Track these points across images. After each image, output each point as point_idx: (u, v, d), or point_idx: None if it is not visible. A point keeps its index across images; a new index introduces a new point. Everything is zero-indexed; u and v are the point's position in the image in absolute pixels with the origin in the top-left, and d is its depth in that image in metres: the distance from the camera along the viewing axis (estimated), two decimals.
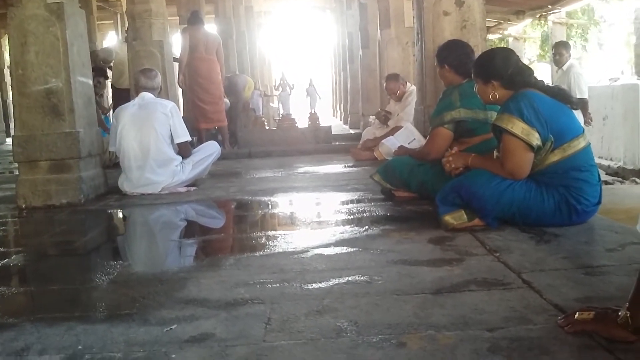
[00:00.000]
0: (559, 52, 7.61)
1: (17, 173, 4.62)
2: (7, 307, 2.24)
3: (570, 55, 7.48)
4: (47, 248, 3.34)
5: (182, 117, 5.16)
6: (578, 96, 6.69)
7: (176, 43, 10.15)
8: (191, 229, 3.81)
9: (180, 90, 8.50)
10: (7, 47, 4.72)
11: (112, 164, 6.09)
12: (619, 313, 1.58)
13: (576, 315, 1.66)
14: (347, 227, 3.18)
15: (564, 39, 12.48)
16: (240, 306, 2.02)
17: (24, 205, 4.40)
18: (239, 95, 9.40)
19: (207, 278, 2.37)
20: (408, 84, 6.72)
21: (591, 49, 23.13)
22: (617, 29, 21.50)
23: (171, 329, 1.85)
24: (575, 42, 21.05)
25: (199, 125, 8.05)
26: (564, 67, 7.42)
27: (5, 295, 2.38)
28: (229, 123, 8.68)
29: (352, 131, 11.36)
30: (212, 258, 2.79)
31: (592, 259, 2.42)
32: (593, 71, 19.58)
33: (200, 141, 7.64)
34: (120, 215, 4.23)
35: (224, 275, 2.40)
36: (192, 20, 8.21)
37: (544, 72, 15.46)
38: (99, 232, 3.83)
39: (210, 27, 10.98)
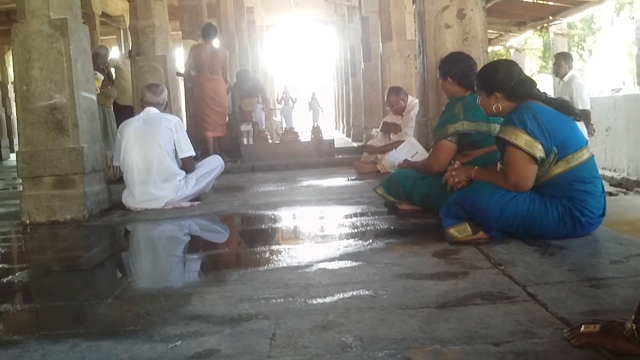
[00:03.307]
0: (557, 63, 7.65)
1: (21, 189, 4.63)
2: (12, 324, 2.23)
3: (570, 67, 7.49)
4: (51, 264, 3.34)
5: (186, 131, 5.18)
6: (580, 107, 6.70)
7: (179, 58, 10.24)
8: (195, 244, 3.81)
9: (183, 105, 8.71)
10: (12, 63, 4.75)
11: (116, 179, 6.10)
12: (625, 326, 1.57)
13: (582, 329, 1.65)
14: (351, 241, 3.18)
15: (565, 50, 12.53)
16: (244, 322, 2.01)
17: (28, 221, 4.41)
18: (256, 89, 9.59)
19: (211, 293, 2.36)
20: (410, 97, 6.70)
21: (591, 58, 23.19)
22: (618, 39, 21.54)
23: (176, 345, 1.85)
24: (578, 53, 21.11)
25: (206, 133, 8.46)
26: (565, 79, 7.43)
27: (9, 312, 2.38)
28: (229, 132, 9.16)
29: (355, 144, 11.38)
30: (216, 273, 2.79)
31: (597, 271, 2.41)
32: (595, 81, 19.60)
33: (207, 150, 7.90)
34: (124, 230, 4.23)
35: (228, 290, 2.40)
36: (205, 33, 8.55)
37: (546, 84, 15.49)
38: (103, 247, 3.83)
39: (214, 42, 11.05)
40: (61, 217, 4.40)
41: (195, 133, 8.28)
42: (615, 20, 21.46)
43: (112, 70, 9.13)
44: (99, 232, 4.16)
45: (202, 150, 7.90)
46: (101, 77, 8.21)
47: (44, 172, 4.41)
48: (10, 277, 2.93)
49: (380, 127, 7.32)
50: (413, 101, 6.60)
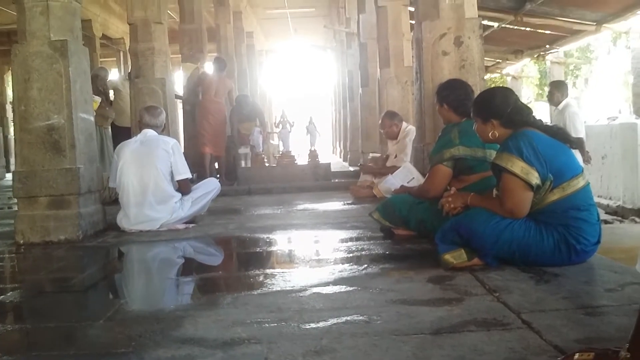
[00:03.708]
0: (551, 91, 7.72)
1: (16, 209, 4.62)
2: (3, 344, 2.21)
3: (565, 95, 7.53)
4: (44, 285, 3.32)
5: (183, 153, 5.18)
6: (573, 135, 6.72)
7: (178, 81, 10.31)
8: (189, 266, 3.79)
9: (181, 127, 8.88)
10: (11, 83, 4.76)
11: (111, 200, 6.08)
12: (620, 354, 1.56)
13: (576, 356, 1.64)
14: (346, 266, 3.16)
15: (562, 78, 12.64)
16: (237, 346, 2.00)
17: (22, 241, 4.38)
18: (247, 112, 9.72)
19: (204, 317, 2.35)
20: (405, 124, 6.73)
21: (586, 86, 23.39)
22: (614, 67, 21.75)
23: None
24: (573, 81, 21.30)
25: (204, 149, 8.70)
26: (560, 107, 7.49)
27: (0, 332, 2.35)
28: (227, 155, 9.31)
29: (351, 168, 11.39)
30: (209, 296, 2.77)
31: (592, 299, 2.40)
32: (591, 110, 19.74)
33: (204, 165, 8.04)
34: (118, 252, 4.21)
35: (221, 314, 2.38)
36: (217, 66, 9.26)
37: (542, 112, 15.59)
38: (97, 269, 3.81)
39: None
40: (55, 237, 4.38)
41: (193, 155, 8.33)
42: (612, 49, 21.68)
43: (111, 91, 9.18)
44: (93, 253, 4.14)
45: (199, 172, 7.92)
46: (98, 99, 8.25)
47: (40, 192, 4.40)
48: (2, 297, 2.91)
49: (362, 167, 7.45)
50: (407, 127, 6.63)
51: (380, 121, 7.00)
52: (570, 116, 7.26)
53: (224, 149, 9.03)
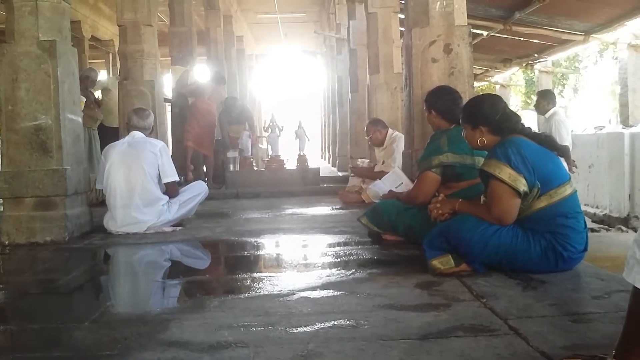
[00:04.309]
0: (538, 100, 7.80)
1: (2, 209, 4.57)
2: None
3: (551, 104, 7.59)
4: (29, 286, 3.29)
5: (171, 156, 5.16)
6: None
7: (167, 83, 10.29)
8: (176, 269, 3.76)
9: (170, 130, 8.84)
10: None
11: (98, 202, 6.05)
12: None
13: None
14: (334, 270, 3.16)
15: (549, 87, 12.72)
16: (223, 349, 1.98)
17: (7, 242, 4.35)
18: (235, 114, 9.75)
19: (190, 320, 2.33)
20: (390, 130, 6.75)
21: (575, 96, 23.58)
22: (602, 77, 21.95)
23: None
24: (561, 90, 21.45)
25: (187, 143, 8.64)
26: (547, 115, 7.55)
27: None
28: (215, 158, 9.26)
29: (340, 173, 11.41)
30: (196, 300, 2.76)
31: (578, 306, 2.41)
32: (579, 119, 19.89)
33: (184, 160, 8.06)
34: (104, 254, 4.18)
35: (208, 317, 2.37)
36: (214, 77, 9.49)
37: (530, 120, 15.69)
38: (83, 271, 3.77)
39: (202, 69, 11.13)
40: (41, 238, 4.35)
41: (180, 158, 8.29)
42: (599, 61, 21.89)
43: (99, 92, 9.13)
44: (79, 255, 4.11)
45: (180, 167, 7.92)
46: (84, 99, 8.21)
47: (26, 192, 4.36)
48: None
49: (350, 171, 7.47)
50: (394, 134, 6.66)
51: (365, 128, 7.03)
52: (556, 124, 7.32)
53: (210, 149, 8.96)
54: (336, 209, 6.12)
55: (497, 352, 1.86)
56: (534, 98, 8.43)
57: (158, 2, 8.01)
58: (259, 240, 4.31)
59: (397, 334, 2.07)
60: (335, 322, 2.23)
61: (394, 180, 5.38)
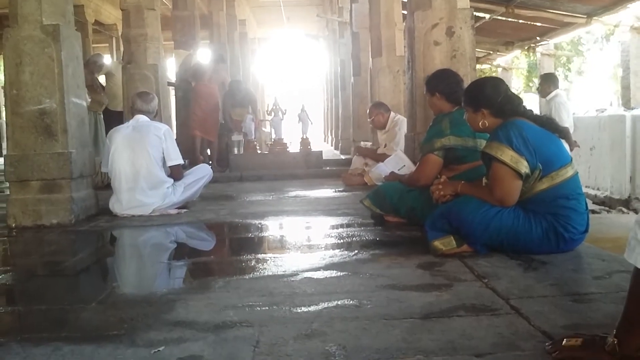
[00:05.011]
0: (540, 83, 7.80)
1: (8, 192, 4.61)
2: None
3: (553, 86, 7.58)
4: (36, 268, 3.33)
5: (175, 139, 5.18)
6: None
7: (171, 67, 10.29)
8: (181, 251, 3.80)
9: (174, 114, 8.89)
10: (2, 67, 4.73)
11: (104, 185, 6.08)
12: (607, 340, 1.59)
13: (564, 342, 1.67)
14: (337, 251, 3.19)
15: (551, 70, 12.69)
16: (228, 329, 2.02)
17: (13, 225, 4.39)
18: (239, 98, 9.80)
19: (195, 300, 2.36)
20: (393, 113, 6.76)
21: (577, 78, 23.48)
22: (605, 60, 21.83)
23: (159, 350, 1.85)
24: (564, 73, 21.36)
25: (194, 132, 8.66)
26: (548, 98, 7.54)
27: None
28: (220, 141, 9.31)
29: (342, 156, 11.42)
30: (201, 280, 2.79)
31: (579, 286, 2.43)
32: (582, 102, 19.83)
33: (194, 149, 8.03)
34: (110, 236, 4.22)
35: (213, 297, 2.40)
36: (214, 57, 9.74)
37: (531, 102, 15.65)
38: (89, 253, 3.81)
39: (205, 52, 11.11)
40: (47, 221, 4.39)
41: (185, 142, 8.31)
42: (605, 45, 21.77)
43: (104, 77, 9.13)
44: (85, 237, 4.15)
45: (191, 159, 7.92)
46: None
47: (32, 176, 4.39)
48: None
49: (355, 151, 7.48)
50: (396, 117, 6.67)
51: (367, 111, 7.05)
52: (556, 106, 7.32)
53: (215, 134, 8.99)
54: (339, 191, 6.15)
55: (499, 331, 1.89)
56: (536, 81, 8.43)
57: None
58: (262, 222, 4.34)
59: (400, 313, 2.10)
60: (339, 302, 2.26)
61: (397, 163, 5.41)
